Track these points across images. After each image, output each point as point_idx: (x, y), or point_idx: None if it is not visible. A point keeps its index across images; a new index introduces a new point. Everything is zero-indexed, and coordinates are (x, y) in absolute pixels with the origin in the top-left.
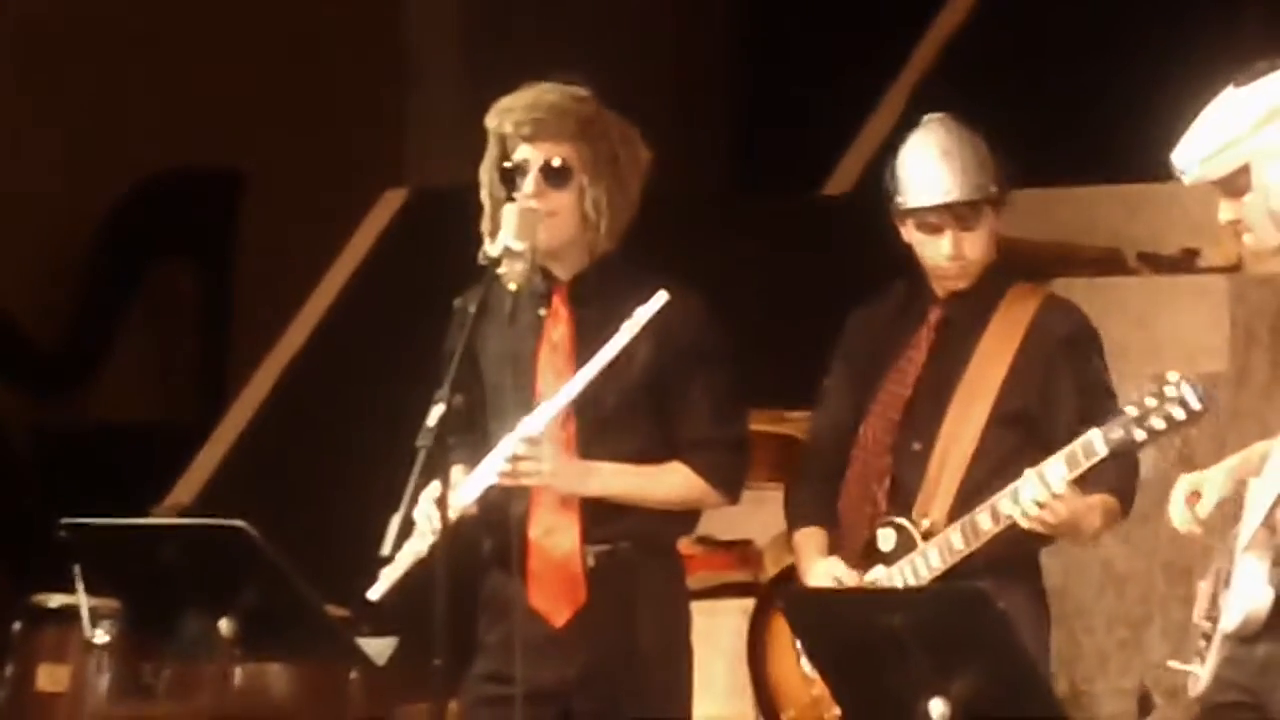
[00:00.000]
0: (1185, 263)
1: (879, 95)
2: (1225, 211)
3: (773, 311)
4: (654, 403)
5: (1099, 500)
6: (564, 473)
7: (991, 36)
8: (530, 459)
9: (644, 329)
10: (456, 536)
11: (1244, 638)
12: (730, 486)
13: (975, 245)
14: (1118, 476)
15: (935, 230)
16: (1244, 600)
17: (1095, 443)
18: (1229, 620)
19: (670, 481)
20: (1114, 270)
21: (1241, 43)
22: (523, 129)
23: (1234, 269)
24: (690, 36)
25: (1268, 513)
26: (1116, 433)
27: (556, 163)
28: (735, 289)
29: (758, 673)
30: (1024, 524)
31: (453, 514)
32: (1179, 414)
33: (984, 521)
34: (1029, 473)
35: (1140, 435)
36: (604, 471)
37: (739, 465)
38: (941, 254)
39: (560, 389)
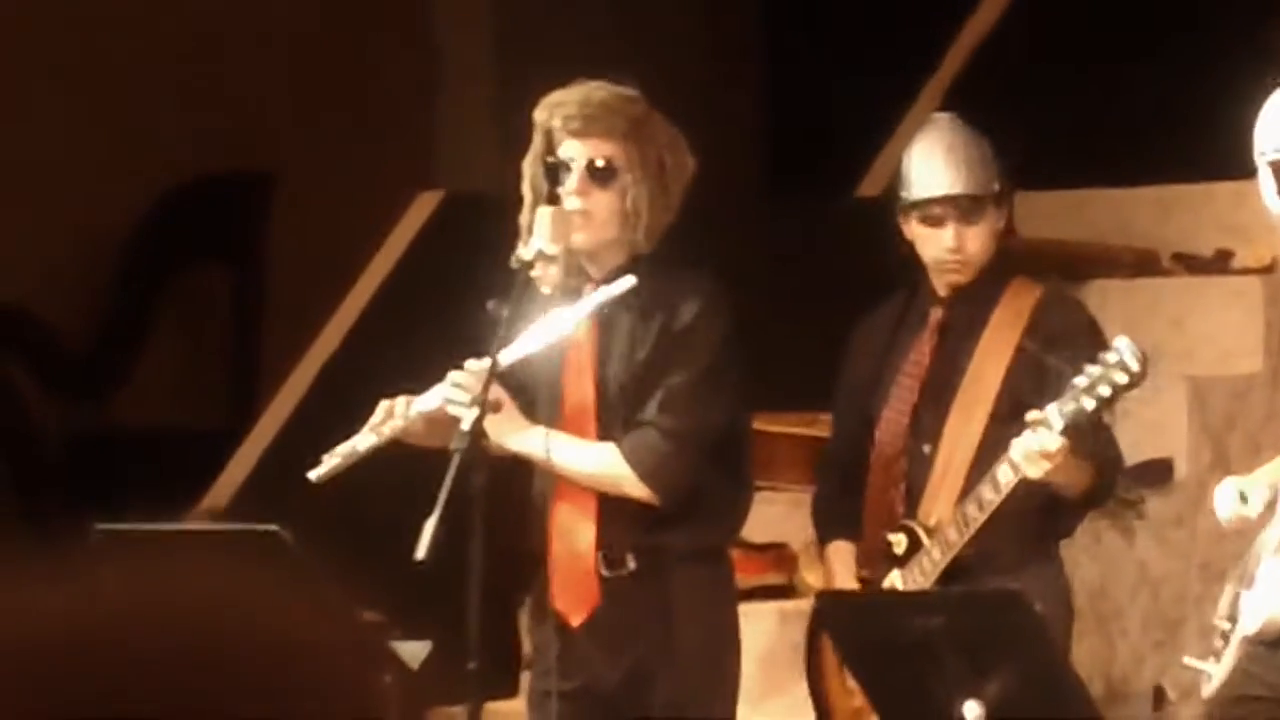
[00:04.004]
0: (1219, 264)
1: (912, 97)
2: None
3: (804, 313)
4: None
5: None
6: (492, 422)
7: (1024, 38)
8: (459, 401)
9: (654, 314)
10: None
11: (1265, 642)
12: (654, 477)
13: (976, 240)
14: (1094, 443)
15: (938, 223)
16: (1266, 605)
17: (1051, 417)
18: (1249, 624)
19: (598, 459)
20: (1148, 271)
21: (1272, 44)
22: (572, 124)
23: (1268, 270)
24: (721, 36)
25: None
26: (1069, 405)
27: (600, 162)
28: (766, 290)
29: (814, 687)
30: (1030, 472)
31: (399, 423)
32: (1121, 378)
33: (971, 511)
34: (1002, 460)
35: (1090, 404)
36: (531, 433)
37: (668, 456)
38: (943, 246)
39: (582, 386)
